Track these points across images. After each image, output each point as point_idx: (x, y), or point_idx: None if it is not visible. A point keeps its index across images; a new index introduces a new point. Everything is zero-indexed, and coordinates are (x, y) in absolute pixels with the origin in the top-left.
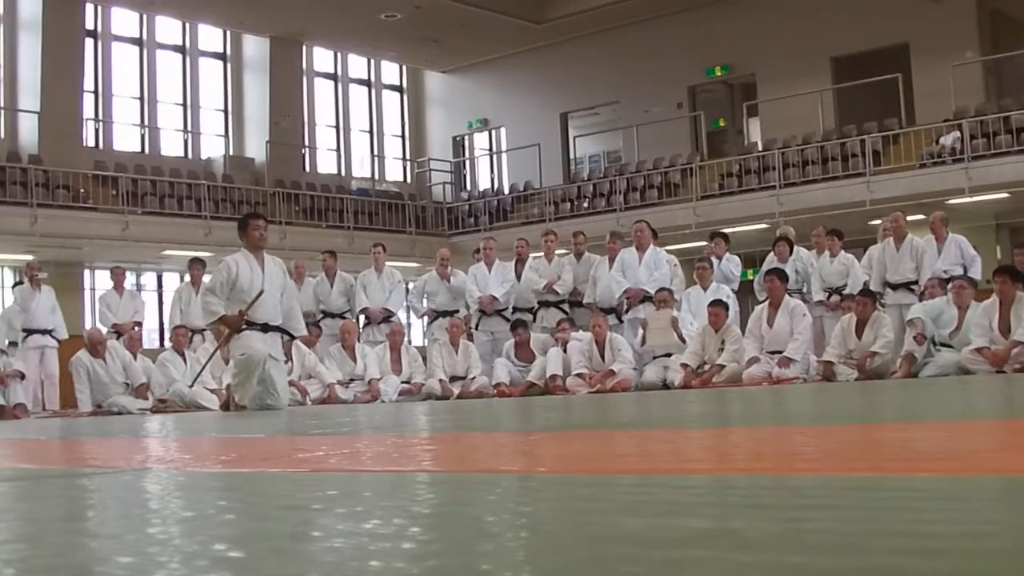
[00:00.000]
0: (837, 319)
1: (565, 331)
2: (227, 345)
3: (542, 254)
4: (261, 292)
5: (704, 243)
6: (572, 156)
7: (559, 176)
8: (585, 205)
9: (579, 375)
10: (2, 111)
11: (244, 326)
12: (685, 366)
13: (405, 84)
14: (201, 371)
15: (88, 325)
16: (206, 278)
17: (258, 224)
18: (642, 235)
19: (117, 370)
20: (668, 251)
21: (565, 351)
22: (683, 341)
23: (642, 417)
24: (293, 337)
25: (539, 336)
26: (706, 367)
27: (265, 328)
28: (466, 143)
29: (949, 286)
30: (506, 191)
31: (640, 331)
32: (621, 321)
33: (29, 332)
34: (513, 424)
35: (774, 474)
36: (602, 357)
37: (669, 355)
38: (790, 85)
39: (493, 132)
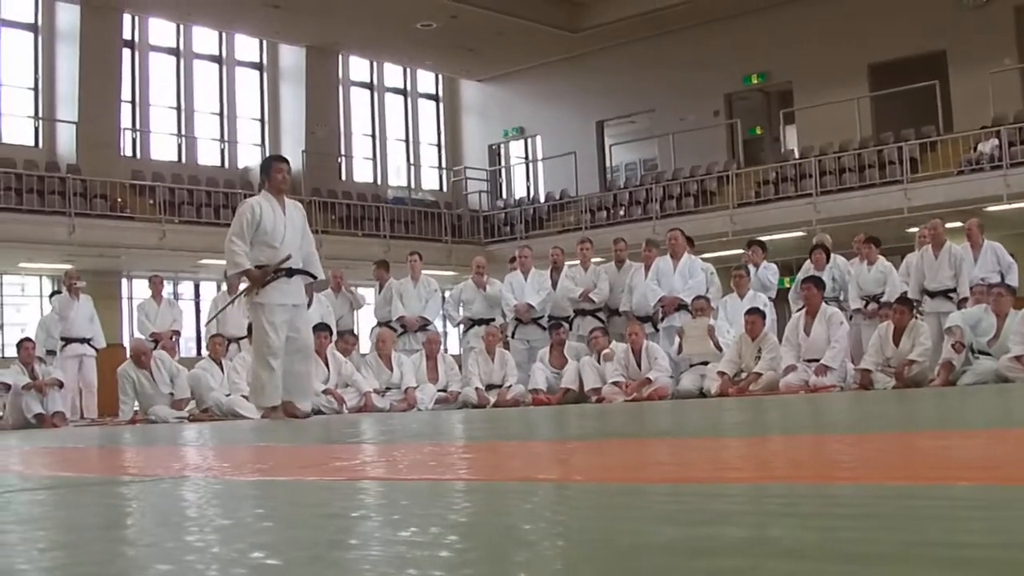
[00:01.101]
0: (874, 327)
1: (597, 340)
2: (248, 297)
3: (578, 262)
4: (288, 257)
5: (741, 251)
6: (608, 164)
7: (595, 184)
8: (621, 213)
9: (615, 383)
10: (40, 121)
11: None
12: (722, 374)
13: (441, 93)
14: (214, 316)
15: (126, 334)
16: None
17: (282, 167)
18: (676, 243)
19: (163, 381)
20: (704, 259)
21: (599, 361)
22: (719, 349)
23: (679, 425)
24: (315, 278)
25: (573, 344)
26: (743, 375)
27: (290, 273)
28: (502, 151)
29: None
30: (542, 199)
31: (676, 339)
32: (657, 329)
33: (67, 341)
34: (549, 432)
35: (812, 482)
36: (638, 365)
37: (706, 363)
38: (827, 92)
39: (529, 140)
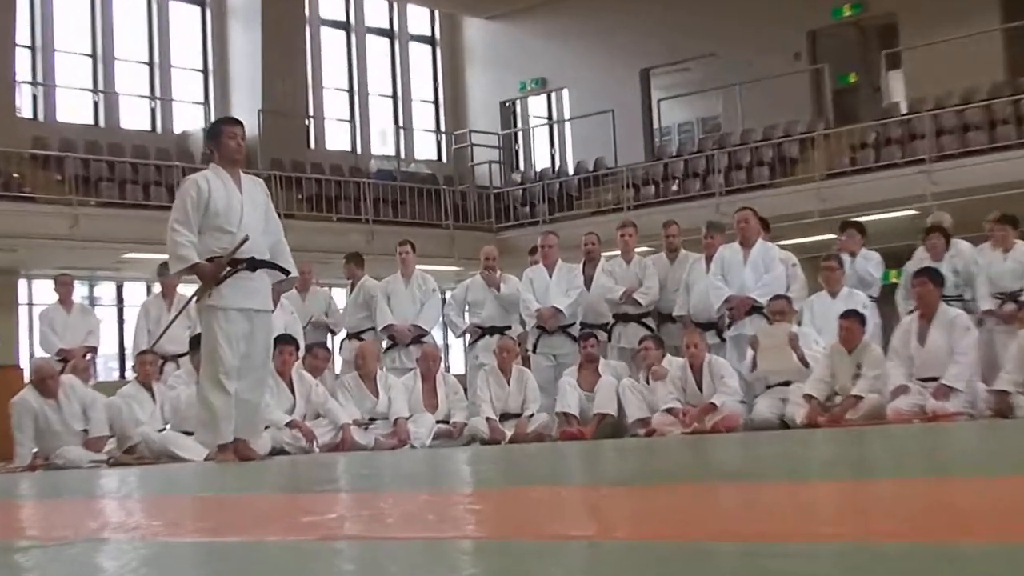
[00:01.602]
0: (1014, 334)
1: (647, 353)
2: (204, 299)
3: (618, 253)
4: (246, 239)
5: (832, 236)
6: (656, 125)
7: (639, 151)
8: (674, 188)
9: (669, 410)
10: None
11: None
12: (809, 398)
13: (438, 35)
14: (161, 335)
15: (25, 352)
16: (182, 289)
17: (235, 131)
18: (748, 227)
19: (74, 413)
20: (783, 247)
21: (648, 382)
22: (805, 365)
23: (753, 465)
24: (286, 274)
25: (612, 363)
26: (837, 399)
27: (252, 265)
28: (518, 110)
29: None
30: (570, 172)
31: (749, 352)
32: (723, 339)
33: None
34: (583, 475)
35: (931, 540)
36: (699, 387)
37: (788, 383)
38: (944, 26)
39: (553, 95)
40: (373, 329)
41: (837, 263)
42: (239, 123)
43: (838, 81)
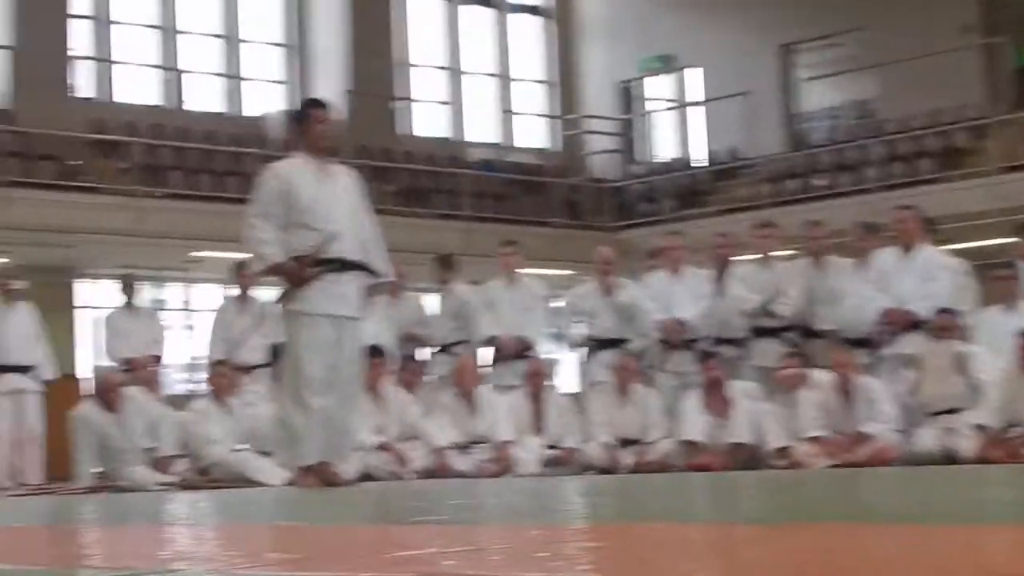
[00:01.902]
0: None
1: (789, 373)
2: (286, 304)
3: (754, 257)
4: (333, 236)
5: (1009, 240)
6: (799, 110)
7: (779, 140)
8: (820, 183)
9: (814, 439)
10: None
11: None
12: (981, 428)
13: (548, 4)
14: (236, 343)
15: (85, 360)
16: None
17: (322, 115)
18: (908, 228)
19: (138, 430)
20: (950, 252)
21: (792, 405)
22: (976, 390)
23: (914, 504)
24: (378, 277)
25: (743, 385)
26: (1014, 430)
27: (342, 267)
28: (639, 92)
29: None
30: (699, 163)
31: (908, 374)
32: (877, 358)
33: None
34: (714, 511)
35: None
36: (848, 413)
37: (954, 411)
38: None
39: (680, 75)
40: (466, 342)
41: (1014, 272)
42: (328, 105)
43: (1018, 57)
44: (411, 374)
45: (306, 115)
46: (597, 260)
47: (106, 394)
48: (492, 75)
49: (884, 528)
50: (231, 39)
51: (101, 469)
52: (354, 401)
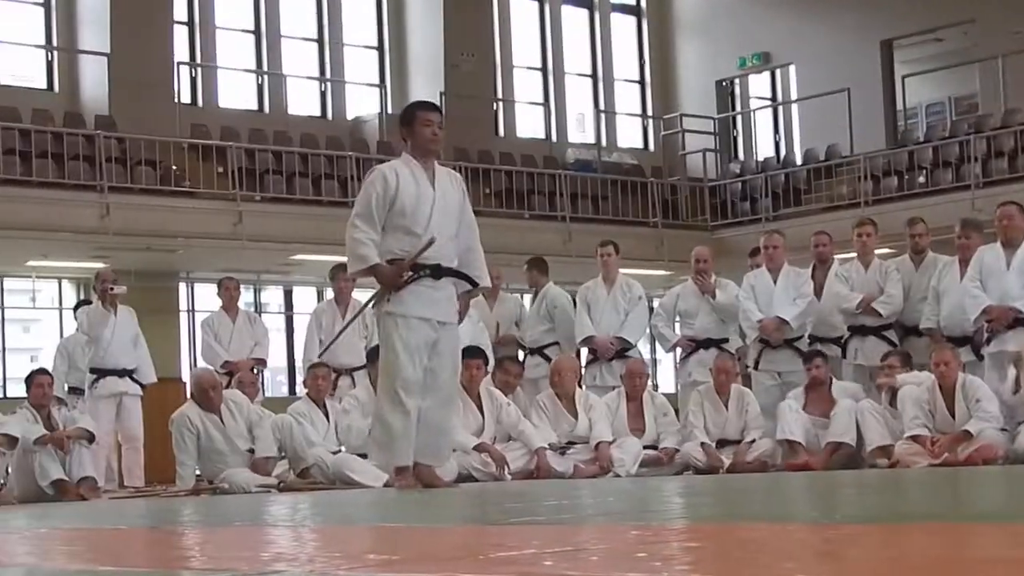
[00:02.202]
0: None
1: (890, 371)
2: (377, 307)
3: (855, 255)
4: (432, 241)
5: None
6: (900, 106)
7: (880, 137)
8: (921, 180)
9: (914, 438)
10: (56, 52)
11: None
12: None
13: (644, 4)
14: (330, 344)
15: (186, 363)
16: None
17: (430, 118)
18: (1012, 224)
19: (238, 432)
20: None
21: (893, 404)
22: None
23: (1016, 503)
24: (475, 285)
25: (846, 385)
26: None
27: (437, 273)
28: (737, 90)
29: None
30: (798, 161)
31: (1011, 372)
32: (980, 357)
33: (100, 374)
34: (813, 511)
35: None
36: (951, 411)
37: None
38: None
39: (778, 73)
40: (557, 344)
41: None
42: (436, 108)
43: None
44: (509, 375)
45: (413, 116)
46: (693, 260)
47: (206, 396)
48: (588, 76)
49: (986, 528)
50: (328, 42)
51: (199, 471)
52: (452, 404)
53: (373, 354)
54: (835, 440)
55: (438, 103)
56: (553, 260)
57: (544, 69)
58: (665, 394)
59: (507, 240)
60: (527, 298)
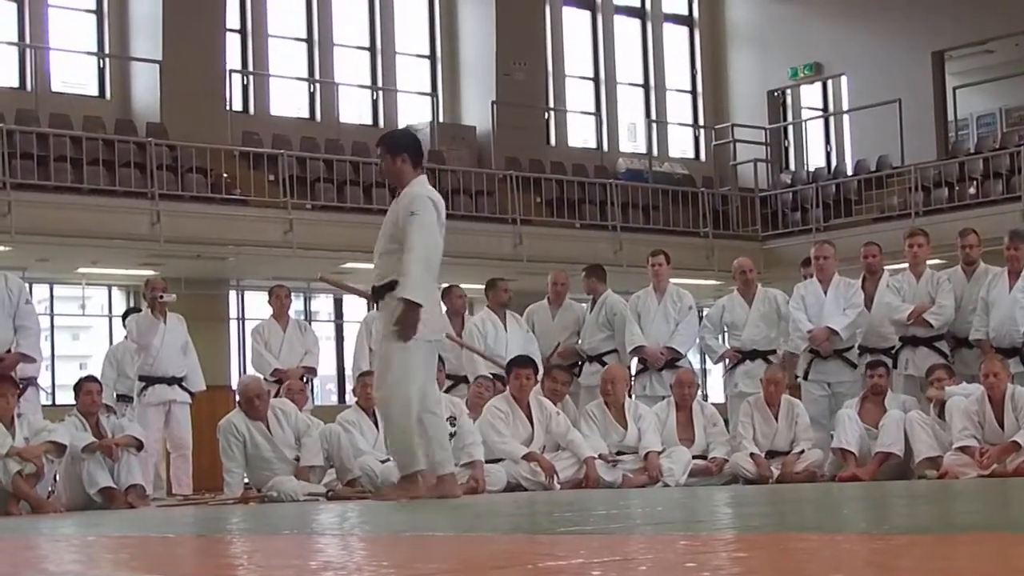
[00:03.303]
0: None
1: (940, 383)
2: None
3: (905, 266)
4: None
5: None
6: (952, 117)
7: (931, 148)
8: (971, 191)
9: (963, 449)
10: (107, 60)
11: None
12: None
13: (697, 14)
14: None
15: (235, 371)
16: None
17: (379, 151)
18: None
19: (286, 441)
20: None
21: (942, 415)
22: None
23: None
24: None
25: (902, 397)
26: None
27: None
28: (788, 101)
29: None
30: (849, 171)
31: None
32: None
33: (149, 381)
34: (865, 521)
35: None
36: (1000, 423)
37: None
38: None
39: (829, 83)
40: (615, 351)
41: None
42: (379, 143)
43: None
44: (557, 383)
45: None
46: (736, 270)
47: (251, 405)
48: (640, 85)
49: None
50: (380, 51)
51: (247, 479)
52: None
53: None
54: (884, 450)
55: (490, 113)
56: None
57: (596, 78)
58: (714, 404)
59: (558, 249)
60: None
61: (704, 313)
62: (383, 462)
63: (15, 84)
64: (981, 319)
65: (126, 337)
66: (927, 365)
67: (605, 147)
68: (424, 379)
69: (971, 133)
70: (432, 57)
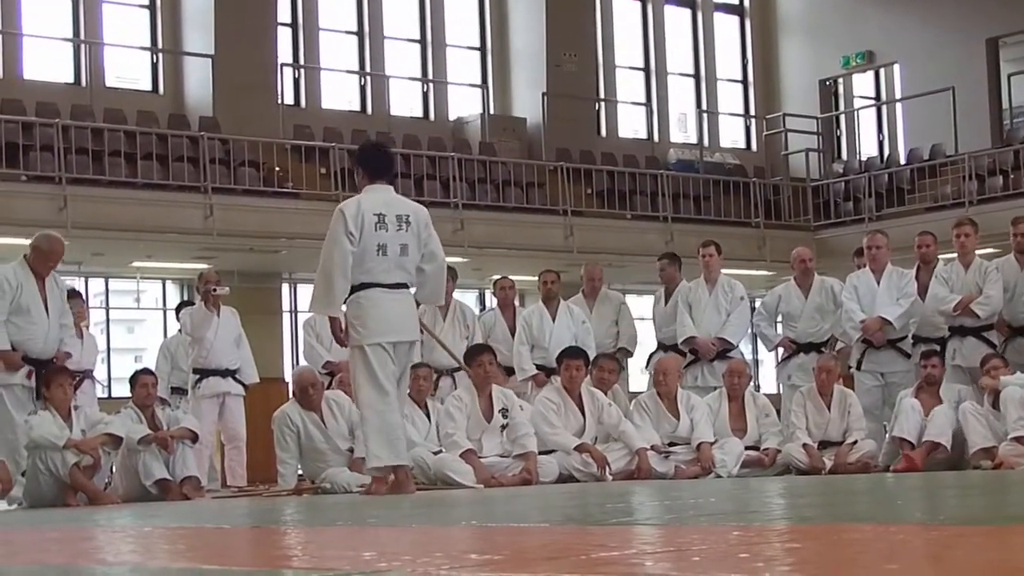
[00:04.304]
0: None
1: (993, 372)
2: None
3: (955, 256)
4: None
5: None
6: (1007, 105)
7: (985, 136)
8: None
9: (1018, 439)
10: (160, 55)
11: None
12: None
13: (747, 3)
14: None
15: (289, 364)
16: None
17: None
18: None
19: (339, 432)
20: None
21: (996, 405)
22: None
23: None
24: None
25: (957, 387)
26: None
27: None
28: (840, 90)
29: None
30: (902, 161)
31: None
32: None
33: (203, 374)
34: (920, 511)
35: None
36: None
37: None
38: None
39: (882, 72)
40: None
41: None
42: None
43: None
44: (604, 371)
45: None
46: (795, 260)
47: (305, 395)
48: (690, 75)
49: None
50: (430, 43)
51: (301, 471)
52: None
53: (471, 353)
54: (932, 440)
55: (540, 104)
56: (655, 260)
57: (646, 69)
58: (767, 395)
59: (609, 240)
60: (630, 299)
61: (759, 302)
62: (435, 453)
63: (70, 80)
64: None
65: (180, 330)
66: (975, 355)
67: (656, 138)
68: (383, 379)
69: None
70: (482, 49)
